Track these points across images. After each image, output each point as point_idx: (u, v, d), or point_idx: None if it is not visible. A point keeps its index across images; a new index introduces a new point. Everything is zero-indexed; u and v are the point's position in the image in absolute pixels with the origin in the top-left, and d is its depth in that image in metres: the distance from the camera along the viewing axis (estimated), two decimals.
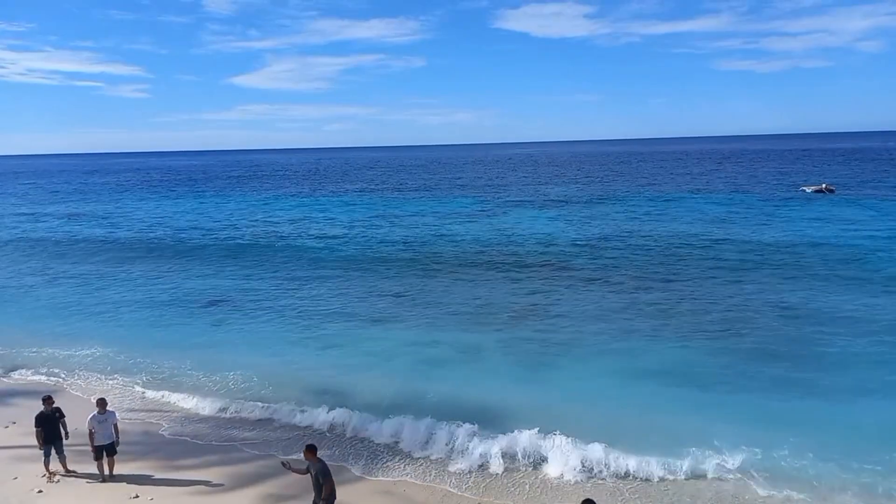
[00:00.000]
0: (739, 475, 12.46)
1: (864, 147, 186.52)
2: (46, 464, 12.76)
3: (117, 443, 12.83)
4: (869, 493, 11.78)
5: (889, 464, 12.61)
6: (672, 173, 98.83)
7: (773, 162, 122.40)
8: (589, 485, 12.35)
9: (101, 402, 12.74)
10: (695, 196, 62.34)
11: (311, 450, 10.30)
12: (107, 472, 12.69)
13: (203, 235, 46.40)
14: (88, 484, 12.61)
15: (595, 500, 9.00)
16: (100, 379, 18.63)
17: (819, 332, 20.71)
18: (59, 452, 12.83)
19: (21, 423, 15.46)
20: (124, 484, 12.57)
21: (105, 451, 12.59)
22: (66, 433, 13.03)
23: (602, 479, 12.54)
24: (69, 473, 12.83)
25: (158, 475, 12.93)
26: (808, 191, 62.02)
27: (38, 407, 13.03)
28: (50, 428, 12.60)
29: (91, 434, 12.50)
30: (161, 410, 16.47)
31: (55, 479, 12.67)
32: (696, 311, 23.52)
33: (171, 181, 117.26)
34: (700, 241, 37.32)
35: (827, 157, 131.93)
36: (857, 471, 12.44)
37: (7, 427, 15.45)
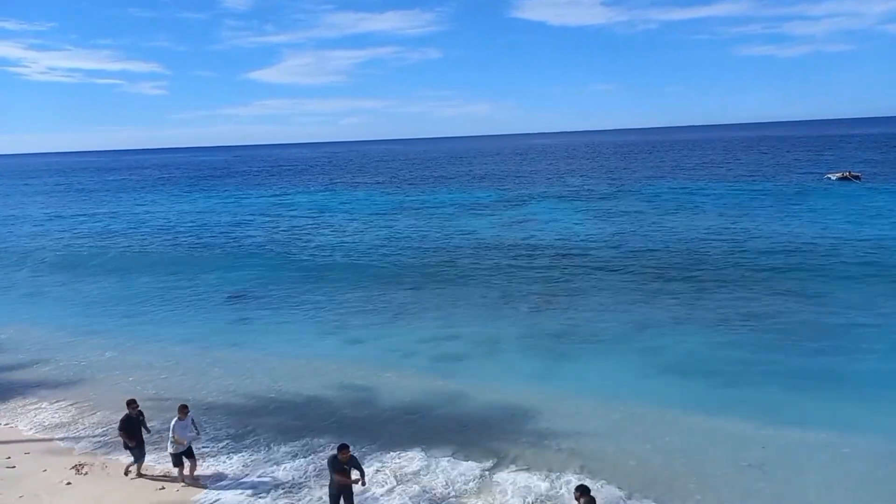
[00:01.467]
0: (757, 470, 12.30)
1: (890, 132, 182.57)
2: (139, 466, 12.65)
3: (198, 438, 12.80)
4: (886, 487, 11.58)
5: None
6: (692, 162, 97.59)
7: (795, 149, 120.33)
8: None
9: (183, 409, 12.31)
10: (716, 185, 61.49)
11: (345, 449, 10.49)
12: (187, 473, 12.36)
13: (223, 232, 46.79)
14: (117, 477, 12.76)
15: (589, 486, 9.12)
16: (122, 373, 18.86)
17: (843, 325, 20.35)
18: (136, 458, 12.63)
19: (46, 415, 15.77)
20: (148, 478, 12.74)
21: (184, 455, 12.27)
22: (148, 430, 12.97)
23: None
24: (140, 476, 12.60)
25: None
26: (832, 178, 60.87)
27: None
28: (133, 431, 12.38)
29: (176, 440, 12.07)
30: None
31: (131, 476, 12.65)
32: (717, 303, 23.26)
33: (191, 177, 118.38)
34: (721, 232, 36.84)
35: (852, 144, 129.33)
36: (875, 468, 12.23)
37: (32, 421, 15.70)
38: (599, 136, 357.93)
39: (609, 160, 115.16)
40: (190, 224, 51.15)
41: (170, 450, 12.21)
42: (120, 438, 12.65)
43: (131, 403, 12.56)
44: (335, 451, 10.65)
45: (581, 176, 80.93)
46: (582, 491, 9.23)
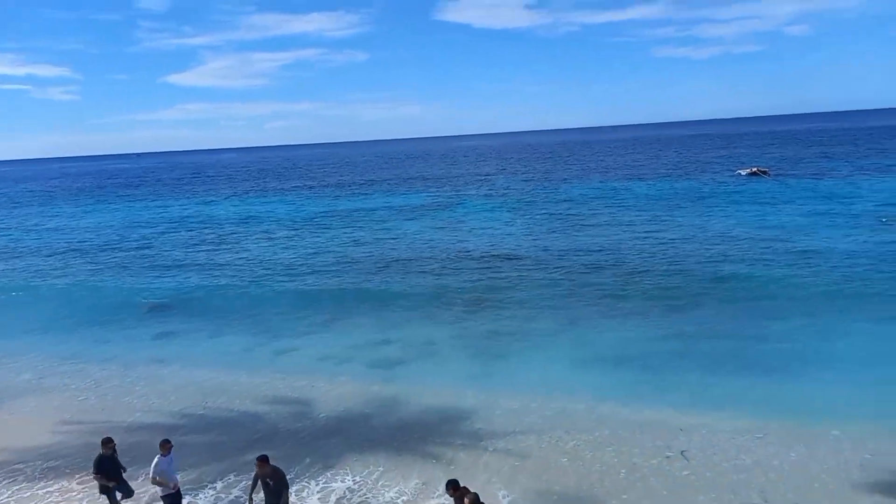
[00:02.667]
0: (684, 457, 12.86)
1: (796, 129, 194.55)
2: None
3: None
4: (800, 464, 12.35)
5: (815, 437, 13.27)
6: (617, 161, 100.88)
7: (709, 147, 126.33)
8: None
9: (165, 444, 10.77)
10: (638, 183, 63.79)
11: (264, 459, 10.12)
12: None
13: (144, 243, 44.88)
14: None
15: (459, 480, 9.26)
16: (37, 387, 17.81)
17: (755, 312, 21.60)
18: (126, 494, 11.38)
19: None
20: None
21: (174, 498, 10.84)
22: (124, 468, 11.54)
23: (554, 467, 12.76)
24: None
25: None
26: (743, 174, 64.29)
27: None
28: (112, 472, 11.09)
29: (158, 482, 10.63)
30: (101, 421, 15.86)
31: None
32: (640, 297, 24.20)
33: (107, 186, 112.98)
34: (644, 228, 38.28)
35: (763, 140, 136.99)
36: (787, 449, 13.05)
37: None
38: (528, 137, 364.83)
39: (538, 160, 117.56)
40: (108, 235, 48.77)
41: (160, 493, 10.77)
42: (95, 482, 11.26)
43: (107, 443, 11.05)
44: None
45: (510, 176, 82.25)
46: (455, 486, 9.30)
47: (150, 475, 10.66)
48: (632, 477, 12.20)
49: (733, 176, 64.19)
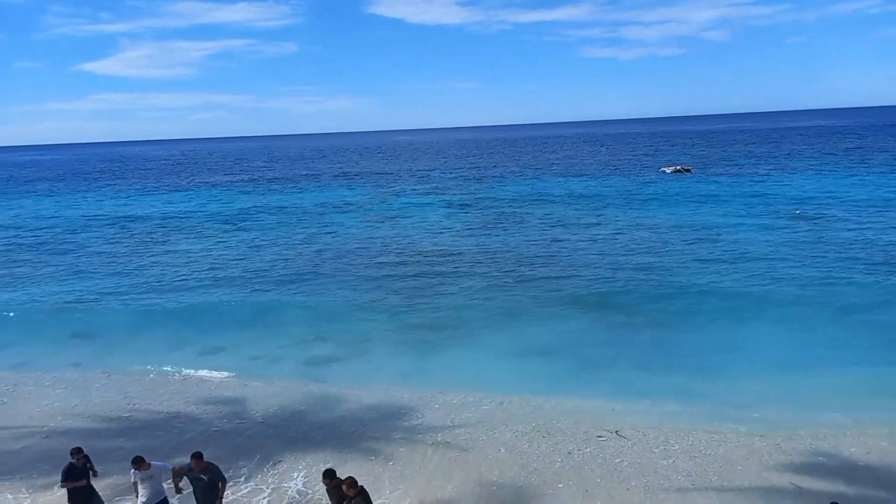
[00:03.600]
0: (615, 443, 13.30)
1: (716, 129, 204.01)
2: None
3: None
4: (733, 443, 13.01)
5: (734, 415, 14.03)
6: (548, 158, 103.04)
7: (635, 146, 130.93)
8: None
9: (138, 461, 9.96)
10: (568, 179, 65.36)
11: (199, 456, 9.82)
12: None
13: (55, 241, 42.49)
14: None
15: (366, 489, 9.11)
16: None
17: (679, 301, 22.67)
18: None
19: None
20: None
21: None
22: (95, 472, 10.70)
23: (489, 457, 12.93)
24: None
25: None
26: (667, 171, 66.92)
27: None
28: (79, 486, 10.20)
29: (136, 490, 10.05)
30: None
31: None
32: (572, 289, 24.86)
33: (12, 180, 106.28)
34: (574, 223, 39.29)
35: (685, 139, 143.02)
36: (716, 436, 13.73)
37: None
38: (461, 133, 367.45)
39: (472, 157, 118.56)
40: (13, 233, 45.90)
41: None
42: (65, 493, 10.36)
43: (76, 452, 10.27)
44: (190, 462, 9.97)
45: (444, 172, 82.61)
46: (330, 476, 9.38)
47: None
48: (567, 465, 12.51)
49: (658, 173, 66.70)
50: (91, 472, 10.49)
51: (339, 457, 13.12)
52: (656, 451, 12.93)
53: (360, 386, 16.73)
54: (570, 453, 12.96)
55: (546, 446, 13.29)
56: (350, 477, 8.99)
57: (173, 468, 10.17)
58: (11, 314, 24.94)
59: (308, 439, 14.02)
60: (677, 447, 13.02)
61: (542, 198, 51.68)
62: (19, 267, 33.77)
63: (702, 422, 14.01)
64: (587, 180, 63.27)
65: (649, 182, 59.19)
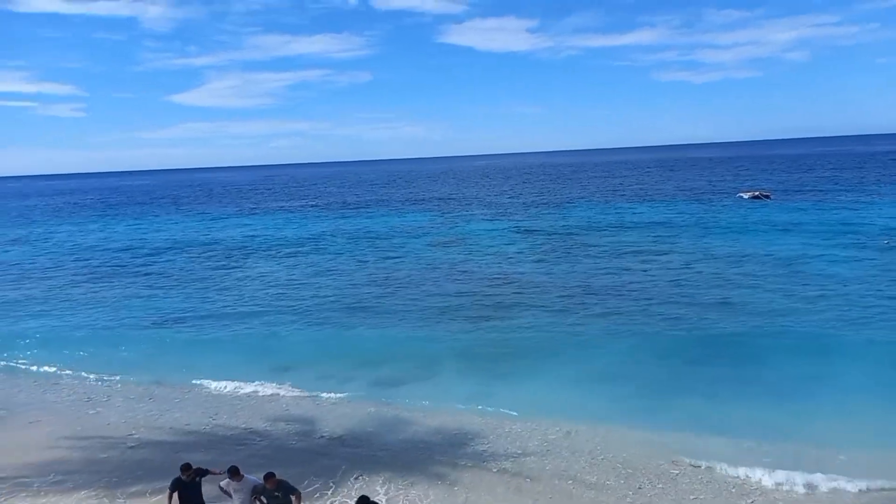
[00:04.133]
0: (687, 479, 12.82)
1: (797, 153, 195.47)
2: None
3: None
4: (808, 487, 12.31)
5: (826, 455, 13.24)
6: (617, 183, 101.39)
7: (710, 170, 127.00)
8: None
9: (234, 471, 10.36)
10: (639, 205, 64.07)
11: (271, 476, 10.15)
12: None
13: (146, 259, 45.03)
14: None
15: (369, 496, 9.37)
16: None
17: (758, 335, 21.63)
18: None
19: None
20: None
21: None
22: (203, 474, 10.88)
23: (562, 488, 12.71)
24: None
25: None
26: (745, 197, 64.53)
27: None
28: (187, 496, 10.60)
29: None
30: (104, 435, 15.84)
31: None
32: (644, 318, 24.22)
33: (112, 203, 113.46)
34: (645, 249, 38.40)
35: (764, 164, 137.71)
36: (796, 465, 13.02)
37: None
38: (530, 158, 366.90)
39: (540, 181, 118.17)
40: (101, 254, 48.93)
41: None
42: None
43: (185, 469, 10.66)
44: (261, 481, 10.30)
45: (512, 197, 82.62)
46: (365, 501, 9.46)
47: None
48: (638, 500, 12.15)
49: (735, 199, 64.44)
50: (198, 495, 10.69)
51: (405, 479, 13.23)
52: (732, 490, 12.40)
53: (426, 409, 16.85)
54: (640, 488, 12.60)
55: (615, 479, 12.98)
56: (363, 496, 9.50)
57: (253, 487, 10.49)
58: (102, 331, 26.52)
59: (376, 459, 14.21)
60: (755, 487, 12.44)
61: (611, 224, 50.83)
62: (108, 286, 35.92)
63: (782, 461, 13.32)
64: (659, 206, 61.80)
65: (726, 208, 57.25)
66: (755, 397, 16.62)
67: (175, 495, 10.54)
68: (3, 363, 22.32)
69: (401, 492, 12.76)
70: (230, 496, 10.50)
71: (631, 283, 30.15)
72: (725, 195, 69.74)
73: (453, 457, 14.21)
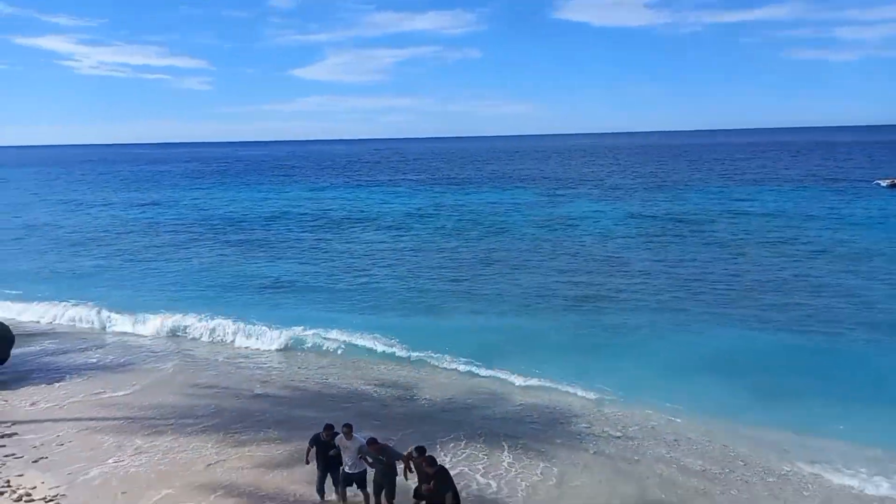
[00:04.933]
0: (795, 481, 12.10)
1: None
2: (319, 489, 11.23)
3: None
4: None
5: None
6: (739, 166, 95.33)
7: (844, 154, 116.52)
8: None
9: (347, 428, 10.90)
10: (763, 190, 60.03)
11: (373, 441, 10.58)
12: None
13: (267, 221, 47.74)
14: None
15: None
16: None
17: (888, 335, 19.77)
18: (336, 483, 11.17)
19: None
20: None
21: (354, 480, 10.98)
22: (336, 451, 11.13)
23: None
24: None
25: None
26: (882, 184, 58.94)
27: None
28: (323, 453, 11.15)
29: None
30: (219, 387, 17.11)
31: None
32: (759, 308, 22.89)
33: (239, 171, 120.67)
34: (766, 236, 36.11)
35: None
36: None
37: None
38: (643, 138, 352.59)
39: (650, 163, 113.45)
40: (233, 215, 52.20)
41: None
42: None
43: (327, 429, 11.20)
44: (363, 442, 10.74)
45: (624, 178, 79.94)
46: (420, 452, 10.13)
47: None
48: (744, 495, 11.63)
49: (871, 186, 58.99)
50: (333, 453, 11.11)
51: (501, 451, 13.33)
52: (848, 498, 11.55)
53: (524, 385, 16.80)
54: (747, 481, 12.04)
55: (721, 469, 12.47)
56: (430, 455, 9.96)
57: (359, 447, 10.81)
58: (228, 295, 28.46)
59: (474, 429, 14.41)
60: (874, 498, 11.53)
61: (730, 208, 47.98)
62: (228, 249, 38.45)
63: None
64: (785, 192, 57.58)
65: (860, 197, 52.51)
66: (882, 405, 15.24)
67: (313, 450, 11.28)
68: (139, 312, 24.30)
69: (497, 463, 12.91)
70: (341, 451, 11.05)
71: (746, 271, 28.46)
72: (861, 182, 63.91)
73: (550, 434, 14.16)
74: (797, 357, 18.43)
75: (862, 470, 12.29)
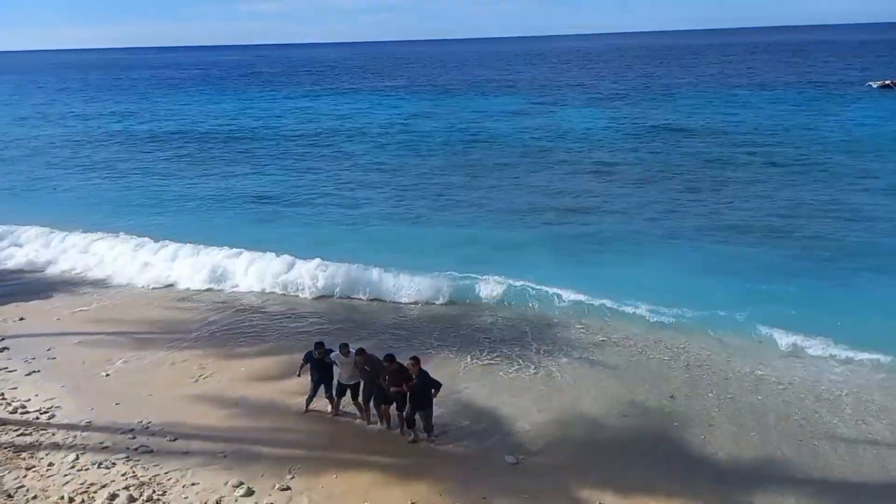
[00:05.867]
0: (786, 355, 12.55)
1: None
2: (308, 399, 11.65)
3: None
4: None
5: None
6: (731, 69, 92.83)
7: (840, 55, 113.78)
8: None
9: (343, 346, 11.41)
10: (752, 93, 59.03)
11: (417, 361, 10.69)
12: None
13: (245, 133, 46.56)
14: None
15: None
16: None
17: (871, 240, 19.97)
18: (329, 391, 11.56)
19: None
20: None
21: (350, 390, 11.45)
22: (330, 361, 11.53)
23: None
24: (335, 414, 11.66)
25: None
26: (874, 86, 58.16)
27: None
28: (317, 368, 11.49)
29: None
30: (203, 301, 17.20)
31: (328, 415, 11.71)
32: (744, 211, 23.13)
33: (212, 78, 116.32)
34: (753, 141, 35.90)
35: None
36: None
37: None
38: (636, 38, 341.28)
39: (643, 65, 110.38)
40: (210, 125, 50.73)
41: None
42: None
43: (318, 346, 11.57)
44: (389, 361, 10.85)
45: (614, 82, 77.95)
46: (389, 359, 10.73)
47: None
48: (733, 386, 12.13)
49: (864, 88, 58.15)
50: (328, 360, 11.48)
51: (485, 357, 13.67)
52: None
53: (509, 293, 16.68)
54: (723, 385, 12.43)
55: (699, 371, 12.91)
56: (414, 356, 10.88)
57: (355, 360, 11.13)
58: (210, 201, 28.02)
59: (461, 337, 14.74)
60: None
61: (719, 112, 47.34)
62: (214, 163, 37.53)
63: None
64: (776, 93, 56.75)
65: (849, 97, 51.91)
66: (858, 304, 15.50)
67: (307, 366, 11.60)
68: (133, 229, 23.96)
69: (482, 369, 13.25)
70: (338, 366, 11.44)
71: (735, 178, 28.29)
72: (852, 84, 62.78)
73: (539, 342, 14.36)
74: (787, 266, 18.21)
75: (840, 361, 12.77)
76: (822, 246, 19.57)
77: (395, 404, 10.79)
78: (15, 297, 17.63)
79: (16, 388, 12.62)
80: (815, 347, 13.43)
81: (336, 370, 11.47)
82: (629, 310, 15.41)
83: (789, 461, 10.21)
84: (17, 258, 20.67)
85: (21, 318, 16.29)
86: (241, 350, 14.40)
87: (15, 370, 13.42)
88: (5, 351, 14.37)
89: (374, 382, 10.91)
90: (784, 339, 13.69)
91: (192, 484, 9.71)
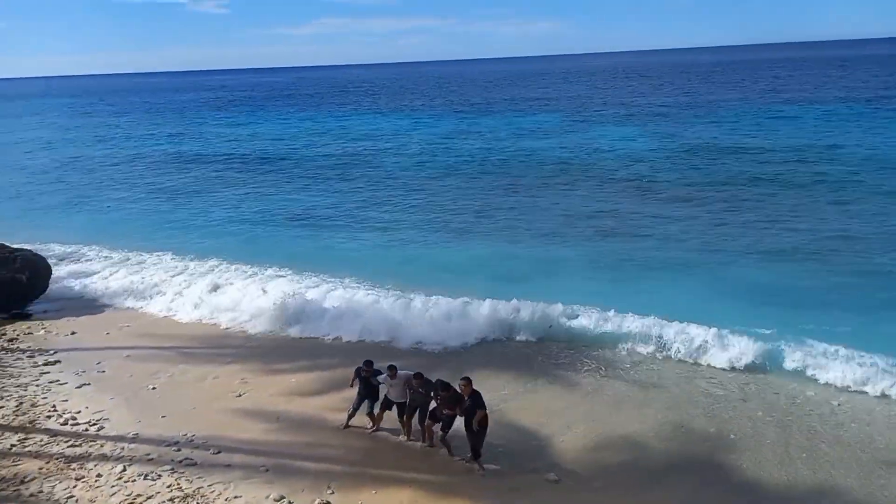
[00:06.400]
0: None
1: None
2: (350, 414, 11.68)
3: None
4: None
5: None
6: (778, 84, 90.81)
7: (888, 69, 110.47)
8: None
9: (391, 368, 11.41)
10: (800, 109, 57.57)
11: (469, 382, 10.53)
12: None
13: (287, 153, 47.49)
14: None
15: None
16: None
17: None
18: (371, 408, 11.59)
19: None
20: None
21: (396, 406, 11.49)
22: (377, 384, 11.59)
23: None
24: (376, 430, 11.69)
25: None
26: None
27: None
28: (363, 385, 11.60)
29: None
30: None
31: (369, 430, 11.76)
32: (789, 232, 22.40)
33: (254, 99, 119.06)
34: (799, 157, 34.84)
35: None
36: None
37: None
38: (674, 56, 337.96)
39: (684, 81, 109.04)
40: (252, 146, 51.86)
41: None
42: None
43: (368, 365, 11.64)
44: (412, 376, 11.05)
45: (653, 99, 77.14)
46: (444, 387, 10.52)
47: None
48: (772, 424, 11.72)
49: None
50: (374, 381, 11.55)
51: (525, 378, 13.55)
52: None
53: (552, 310, 16.28)
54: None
55: (742, 400, 12.54)
56: (466, 376, 10.59)
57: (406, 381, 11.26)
58: (244, 223, 28.57)
59: (503, 357, 14.73)
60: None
61: (764, 128, 46.26)
62: (254, 180, 38.42)
63: None
64: (823, 109, 55.18)
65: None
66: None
67: (357, 380, 11.70)
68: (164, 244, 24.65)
69: (524, 388, 13.16)
70: (388, 387, 11.45)
71: (780, 197, 27.43)
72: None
73: (581, 362, 14.22)
74: (837, 292, 17.34)
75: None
76: (876, 271, 18.77)
77: (441, 423, 10.69)
78: (67, 312, 18.23)
79: (66, 401, 13.01)
80: (867, 373, 12.86)
81: (383, 388, 11.50)
82: (672, 331, 15.02)
83: (840, 488, 9.85)
84: (72, 275, 21.30)
85: (73, 333, 16.82)
86: (281, 366, 14.58)
87: (66, 383, 13.84)
88: (57, 364, 14.84)
89: (426, 403, 10.98)
90: (835, 366, 13.17)
91: (235, 497, 9.83)
